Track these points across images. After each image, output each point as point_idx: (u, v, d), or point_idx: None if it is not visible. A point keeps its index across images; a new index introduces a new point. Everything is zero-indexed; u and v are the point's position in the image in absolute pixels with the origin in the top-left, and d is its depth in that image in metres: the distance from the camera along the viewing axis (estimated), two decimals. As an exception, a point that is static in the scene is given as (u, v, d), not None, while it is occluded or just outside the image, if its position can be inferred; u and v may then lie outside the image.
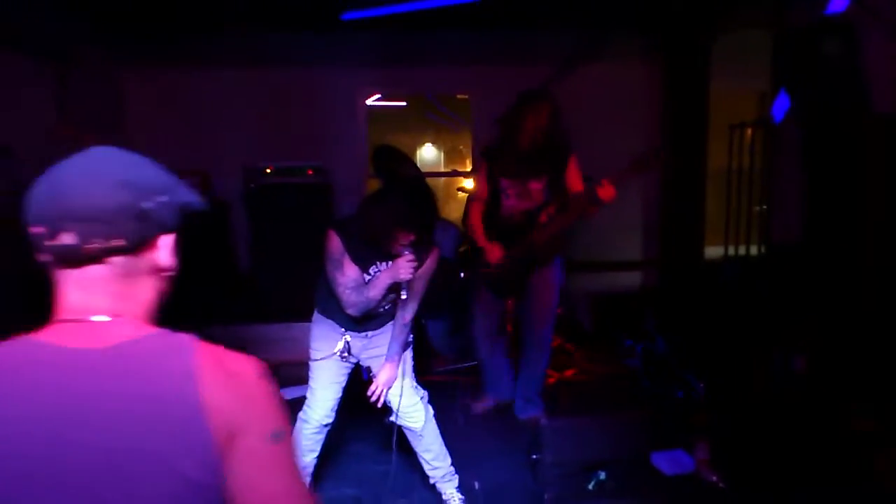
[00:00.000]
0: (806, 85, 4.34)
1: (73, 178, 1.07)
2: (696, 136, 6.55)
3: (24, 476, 0.97)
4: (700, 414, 4.22)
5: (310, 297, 3.29)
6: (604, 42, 6.82)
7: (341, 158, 6.59)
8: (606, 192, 3.74)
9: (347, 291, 2.93)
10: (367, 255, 2.98)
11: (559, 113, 4.10)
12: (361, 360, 3.20)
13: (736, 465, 3.64)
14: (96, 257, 1.05)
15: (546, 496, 3.37)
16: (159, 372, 1.04)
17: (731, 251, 5.99)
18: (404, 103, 10.96)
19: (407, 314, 3.10)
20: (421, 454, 3.26)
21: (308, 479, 3.22)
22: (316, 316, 3.18)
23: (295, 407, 3.35)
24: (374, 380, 3.13)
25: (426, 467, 3.28)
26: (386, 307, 3.12)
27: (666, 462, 3.70)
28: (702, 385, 4.70)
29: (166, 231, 1.15)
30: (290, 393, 4.90)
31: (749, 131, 5.84)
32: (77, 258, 1.04)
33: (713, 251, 6.79)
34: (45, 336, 1.05)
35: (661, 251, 7.00)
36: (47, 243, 1.03)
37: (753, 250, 5.79)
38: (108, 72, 6.59)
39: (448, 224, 6.10)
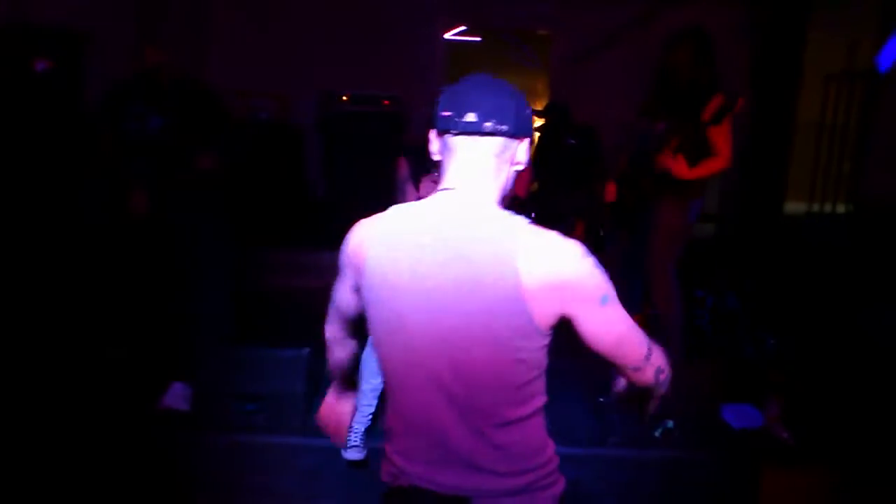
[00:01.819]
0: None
1: (474, 84, 1.47)
2: (788, 85, 6.25)
3: (422, 287, 1.41)
4: (774, 370, 4.11)
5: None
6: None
7: (418, 90, 6.51)
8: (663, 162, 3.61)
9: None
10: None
11: (708, 55, 3.80)
12: None
13: (808, 424, 3.54)
14: (488, 133, 1.42)
15: (610, 440, 3.34)
16: (495, 243, 1.39)
17: (816, 207, 5.75)
18: (479, 39, 10.74)
19: None
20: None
21: (375, 402, 3.25)
22: None
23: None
24: None
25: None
26: None
27: (734, 416, 3.63)
28: (773, 342, 4.57)
29: (528, 135, 1.49)
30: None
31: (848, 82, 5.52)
32: (475, 131, 1.42)
33: (793, 206, 6.55)
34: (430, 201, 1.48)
35: (739, 203, 6.77)
36: (455, 120, 1.42)
37: (840, 208, 5.55)
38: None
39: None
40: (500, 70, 11.79)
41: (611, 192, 4.10)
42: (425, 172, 2.97)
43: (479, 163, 1.45)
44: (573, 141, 5.60)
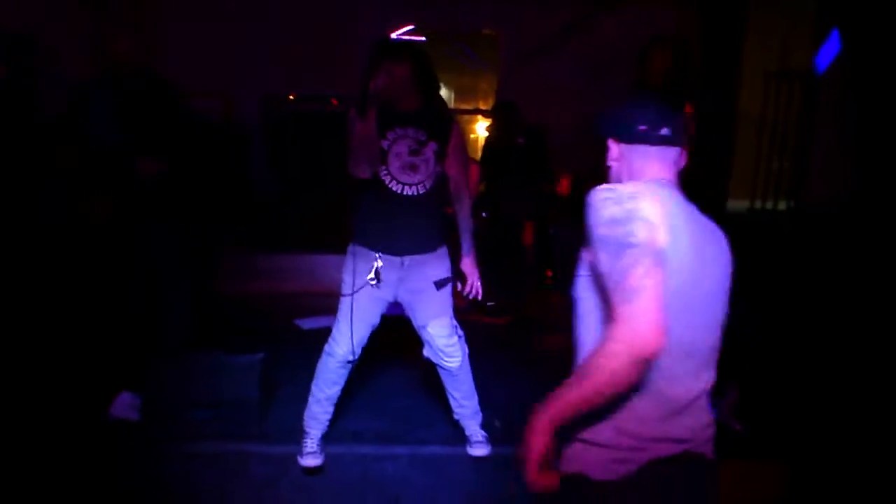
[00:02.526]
0: (861, 31, 4.17)
1: (655, 101, 1.77)
2: (728, 82, 6.39)
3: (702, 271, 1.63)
4: (735, 358, 4.18)
5: (329, 228, 3.24)
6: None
7: (364, 89, 6.46)
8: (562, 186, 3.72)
9: (359, 143, 2.84)
10: (383, 121, 2.87)
11: (680, 60, 3.93)
12: (397, 295, 3.12)
13: (762, 415, 3.62)
14: (677, 143, 1.74)
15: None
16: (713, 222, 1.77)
17: (758, 205, 5.89)
18: (423, 38, 10.72)
19: (463, 204, 3.22)
20: (451, 392, 3.23)
21: (332, 409, 3.21)
22: (350, 248, 3.08)
23: (315, 338, 3.33)
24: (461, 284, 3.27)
25: (453, 405, 3.26)
26: (414, 188, 2.98)
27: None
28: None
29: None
30: (308, 324, 4.92)
31: (786, 82, 5.67)
32: (669, 143, 1.72)
33: (736, 204, 6.70)
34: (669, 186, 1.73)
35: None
36: (652, 133, 1.71)
37: (781, 205, 5.69)
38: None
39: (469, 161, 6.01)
40: (445, 69, 11.79)
41: (564, 185, 4.13)
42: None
43: (669, 167, 1.75)
44: (522, 140, 5.62)
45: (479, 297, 3.29)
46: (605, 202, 1.59)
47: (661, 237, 1.52)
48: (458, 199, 3.20)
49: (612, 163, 1.80)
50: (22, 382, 3.69)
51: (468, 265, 3.28)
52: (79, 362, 3.95)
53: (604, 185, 1.66)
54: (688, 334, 1.60)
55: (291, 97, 5.99)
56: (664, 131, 1.72)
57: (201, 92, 6.14)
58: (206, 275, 4.42)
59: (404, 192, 2.98)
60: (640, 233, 1.51)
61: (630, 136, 1.75)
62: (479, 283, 3.27)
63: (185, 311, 3.90)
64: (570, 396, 1.53)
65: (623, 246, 1.50)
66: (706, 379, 1.70)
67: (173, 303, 3.84)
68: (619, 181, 1.77)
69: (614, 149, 1.78)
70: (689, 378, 1.65)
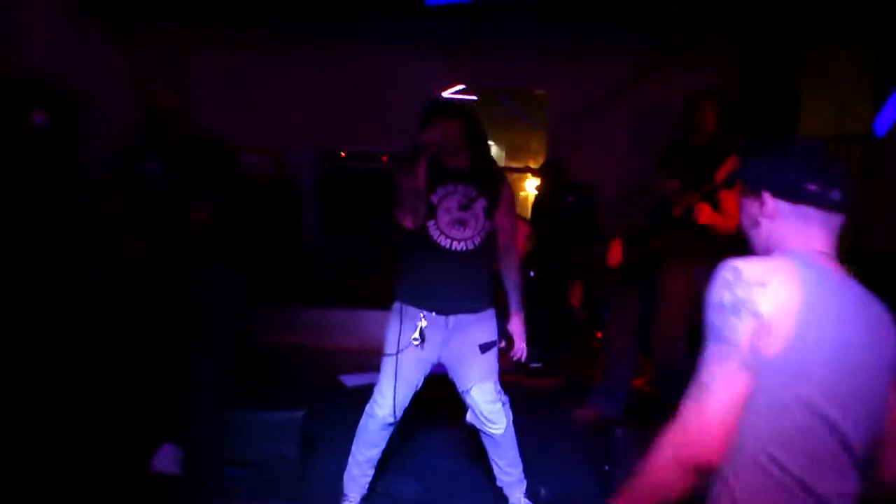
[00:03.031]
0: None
1: (829, 158, 1.50)
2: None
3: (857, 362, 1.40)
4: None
5: (376, 284, 3.20)
6: (685, 47, 6.60)
7: (415, 147, 6.52)
8: (701, 214, 3.56)
9: (407, 194, 2.82)
10: (433, 176, 2.90)
11: (727, 115, 3.88)
12: (441, 357, 3.06)
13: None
14: (845, 210, 1.48)
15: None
16: (878, 303, 1.47)
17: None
18: (475, 98, 10.85)
19: (512, 261, 3.17)
20: (494, 459, 3.13)
21: (371, 472, 3.13)
22: (394, 306, 3.05)
23: (360, 395, 3.27)
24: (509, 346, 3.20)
25: (497, 472, 3.16)
26: (463, 244, 2.95)
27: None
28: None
29: None
30: (352, 381, 4.87)
31: (844, 145, 5.55)
32: (838, 208, 1.47)
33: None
34: (827, 262, 1.46)
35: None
36: (822, 195, 1.45)
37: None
38: (183, 44, 6.56)
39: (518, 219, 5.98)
40: (496, 127, 11.88)
41: (616, 252, 4.04)
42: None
43: (829, 237, 1.50)
44: (571, 198, 5.59)
45: (524, 360, 3.21)
46: (723, 282, 1.42)
47: (770, 338, 1.34)
48: (507, 257, 3.16)
49: (762, 219, 1.54)
50: (69, 431, 3.71)
51: (516, 325, 3.19)
52: (126, 410, 3.96)
53: (735, 260, 1.43)
54: (833, 433, 1.38)
55: (343, 154, 6.05)
56: (835, 195, 1.46)
57: (254, 147, 6.28)
58: (246, 324, 4.38)
59: (453, 248, 2.94)
60: (739, 330, 1.36)
61: (795, 194, 1.48)
62: (524, 346, 3.19)
63: (223, 358, 3.86)
64: (629, 496, 1.43)
65: (717, 338, 1.38)
66: (853, 484, 1.43)
67: (213, 348, 3.81)
68: (763, 243, 1.55)
69: (770, 204, 1.51)
70: (832, 482, 1.40)
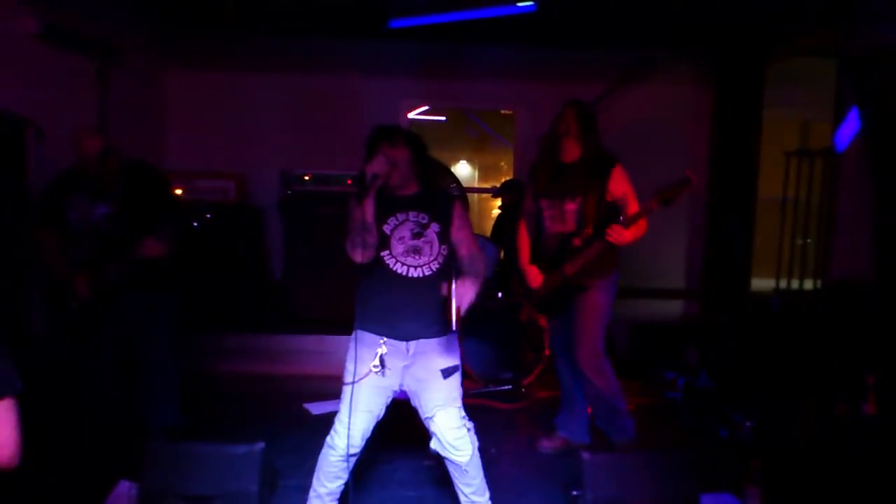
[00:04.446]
0: (882, 110, 4.11)
1: None
2: (747, 162, 6.33)
3: None
4: (752, 457, 3.97)
5: (342, 309, 3.13)
6: (653, 63, 6.65)
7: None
8: (617, 235, 3.55)
9: (355, 226, 2.79)
10: (384, 207, 2.88)
11: (591, 118, 3.81)
12: (403, 383, 2.99)
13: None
14: None
15: (585, 536, 3.15)
16: None
17: (783, 284, 5.74)
18: (444, 118, 10.87)
19: (476, 275, 2.89)
20: (460, 487, 3.05)
21: (335, 501, 3.04)
22: (354, 334, 2.98)
23: (323, 424, 3.19)
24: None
25: (463, 500, 3.07)
26: (419, 270, 2.90)
27: (714, 506, 3.47)
28: (749, 425, 4.46)
29: None
30: (318, 408, 4.77)
31: (808, 160, 5.59)
32: None
33: (759, 283, 6.56)
34: None
35: (705, 280, 6.76)
36: None
37: (807, 284, 5.53)
38: (149, 71, 6.57)
39: (486, 241, 5.94)
40: (467, 148, 11.94)
41: (535, 276, 3.99)
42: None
43: None
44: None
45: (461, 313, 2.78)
46: None
47: None
48: (473, 265, 2.98)
49: None
50: (21, 470, 3.57)
51: (464, 286, 2.76)
52: (79, 446, 3.85)
53: None
54: None
55: (307, 177, 5.99)
56: None
57: (215, 172, 6.22)
58: (185, 352, 4.36)
59: (409, 274, 2.89)
60: None
61: None
62: (463, 306, 2.75)
63: (171, 392, 4.01)
64: None
65: None
66: None
67: (159, 384, 3.98)
68: None
69: None
70: None
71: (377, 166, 2.79)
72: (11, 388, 1.55)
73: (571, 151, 3.82)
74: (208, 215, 5.85)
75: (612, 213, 3.73)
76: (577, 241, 3.77)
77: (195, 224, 5.31)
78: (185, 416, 4.06)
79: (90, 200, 3.69)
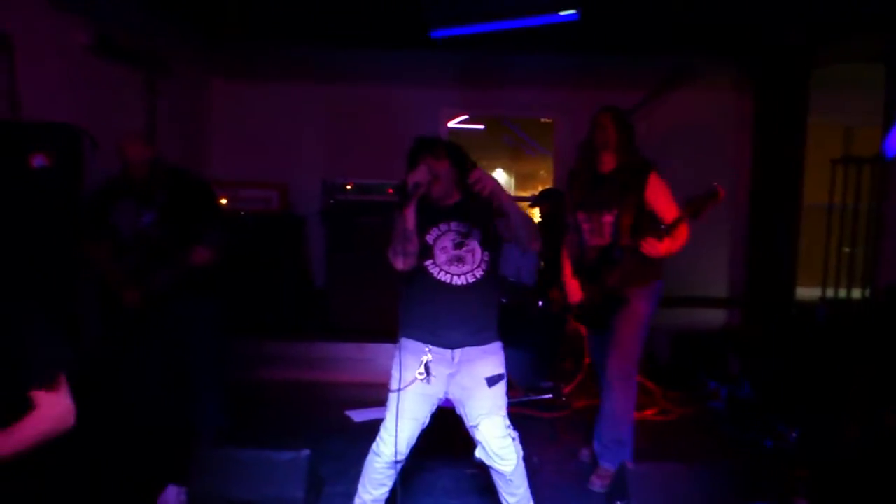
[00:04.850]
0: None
1: None
2: (792, 169, 6.24)
3: None
4: (799, 468, 3.91)
5: (382, 317, 3.15)
6: (694, 69, 6.60)
7: (421, 178, 6.52)
8: (650, 248, 3.48)
9: (397, 236, 2.86)
10: (425, 218, 2.94)
11: (629, 127, 3.73)
12: (448, 392, 3.01)
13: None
14: None
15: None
16: None
17: (830, 293, 5.64)
18: (482, 126, 10.89)
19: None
20: (504, 496, 3.05)
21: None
22: (399, 342, 3.01)
23: (368, 431, 3.22)
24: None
25: (507, 509, 3.08)
26: (463, 278, 2.92)
27: (760, 518, 3.43)
28: (794, 435, 4.39)
29: None
30: (360, 416, 4.80)
31: (854, 166, 5.50)
32: None
33: (804, 292, 6.46)
34: None
35: (748, 289, 6.67)
36: None
37: (855, 293, 5.44)
38: (195, 81, 6.70)
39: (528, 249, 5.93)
40: (504, 156, 11.94)
41: (575, 290, 3.94)
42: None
43: None
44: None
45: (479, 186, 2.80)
46: None
47: None
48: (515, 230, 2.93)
49: None
50: (71, 474, 3.65)
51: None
52: (129, 450, 3.92)
53: None
54: None
55: (348, 186, 6.05)
56: None
57: (259, 182, 6.31)
58: (227, 358, 4.45)
59: (453, 282, 2.92)
60: None
61: None
62: (485, 178, 2.78)
63: (218, 399, 4.08)
64: None
65: None
66: None
67: (207, 391, 4.04)
68: None
69: None
70: None
71: (419, 175, 2.84)
72: (65, 364, 1.79)
73: (608, 162, 3.75)
74: (247, 226, 5.96)
75: (651, 223, 3.64)
76: (616, 253, 3.70)
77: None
78: (230, 418, 4.13)
79: (136, 208, 3.76)
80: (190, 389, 4.03)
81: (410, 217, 2.83)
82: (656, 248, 3.47)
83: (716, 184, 3.30)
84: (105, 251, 3.81)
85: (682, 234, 3.53)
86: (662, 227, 3.51)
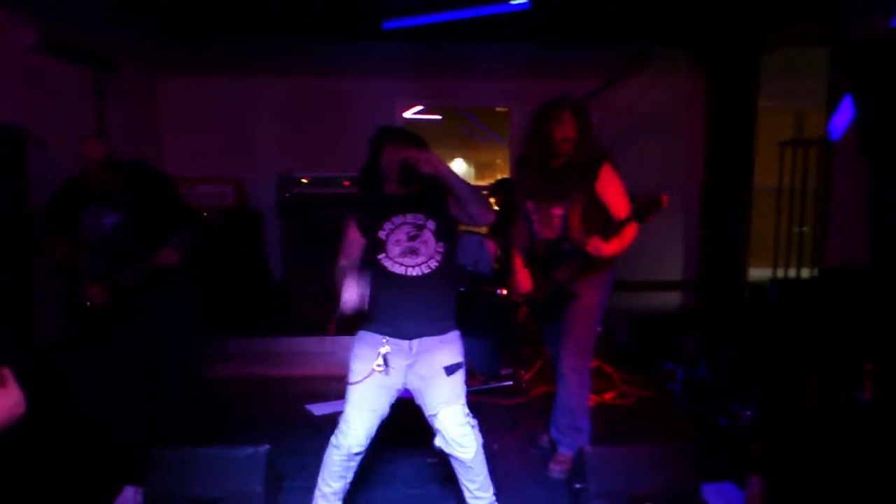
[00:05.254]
0: (875, 99, 4.13)
1: None
2: (743, 153, 6.36)
3: None
4: (752, 445, 4.00)
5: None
6: (647, 57, 6.67)
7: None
8: (593, 249, 3.44)
9: (340, 258, 3.01)
10: (379, 212, 2.99)
11: (588, 121, 3.61)
12: (407, 382, 3.02)
13: (790, 502, 3.43)
14: None
15: (589, 528, 3.18)
16: None
17: (780, 273, 5.76)
18: (440, 117, 10.88)
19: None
20: (465, 483, 3.07)
21: (340, 500, 3.07)
22: (357, 334, 3.02)
23: (326, 424, 3.22)
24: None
25: (468, 496, 3.10)
26: (418, 269, 2.93)
27: (715, 495, 3.50)
28: (748, 414, 4.49)
29: None
30: (320, 409, 4.79)
31: (802, 149, 5.62)
32: None
33: (756, 273, 6.59)
34: None
35: (702, 271, 6.80)
36: None
37: (804, 272, 5.57)
38: (146, 79, 6.59)
39: (483, 238, 5.96)
40: (463, 146, 11.96)
41: (525, 280, 3.92)
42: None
43: None
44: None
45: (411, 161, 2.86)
46: None
47: None
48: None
49: None
50: (26, 477, 3.60)
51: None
52: (84, 452, 3.88)
53: None
54: None
55: (304, 180, 6.01)
56: None
57: (214, 178, 6.24)
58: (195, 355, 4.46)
59: (408, 273, 2.92)
60: None
61: None
62: (421, 158, 2.83)
63: (180, 397, 4.08)
64: None
65: None
66: None
67: (170, 388, 4.05)
68: None
69: None
70: None
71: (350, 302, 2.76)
72: (7, 358, 1.73)
73: (562, 154, 3.62)
74: (205, 214, 5.89)
75: (601, 216, 3.59)
76: (565, 247, 3.65)
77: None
78: (189, 409, 4.16)
79: (99, 210, 3.72)
80: (154, 378, 4.01)
81: (355, 235, 3.03)
82: (602, 249, 3.43)
83: (661, 192, 3.23)
84: (68, 249, 3.76)
85: (628, 234, 3.46)
86: (609, 228, 3.46)
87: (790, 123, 7.86)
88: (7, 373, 1.79)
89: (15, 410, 1.82)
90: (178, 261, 3.77)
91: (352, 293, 2.74)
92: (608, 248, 3.44)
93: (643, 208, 3.29)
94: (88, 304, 3.68)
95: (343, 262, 3.02)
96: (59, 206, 3.76)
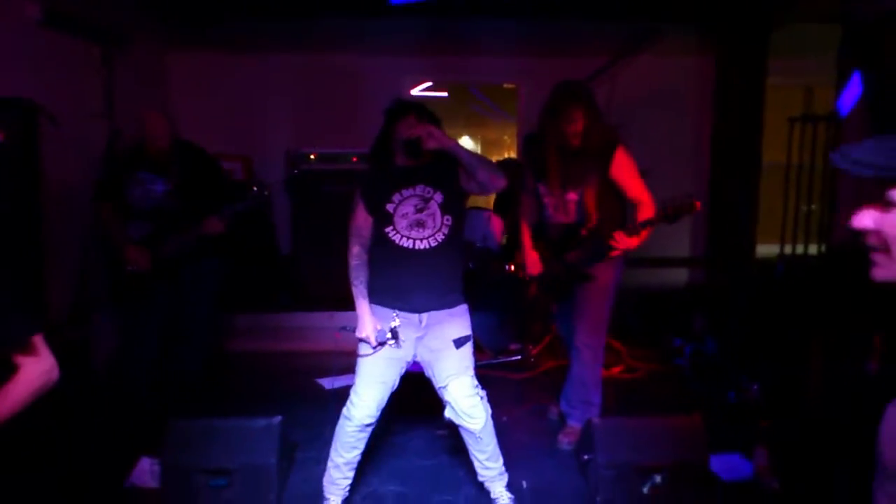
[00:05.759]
0: (884, 76, 4.12)
1: None
2: (751, 129, 6.34)
3: None
4: (761, 419, 4.04)
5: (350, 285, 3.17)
6: (657, 33, 6.63)
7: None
8: (619, 244, 3.48)
9: (353, 240, 3.07)
10: (389, 184, 3.02)
11: (596, 108, 3.59)
12: (416, 354, 3.06)
13: (797, 473, 3.47)
14: None
15: (598, 499, 3.22)
16: None
17: (788, 249, 5.77)
18: (446, 94, 10.85)
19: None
20: (474, 454, 3.12)
21: (351, 474, 3.12)
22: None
23: (338, 397, 3.26)
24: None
25: (478, 466, 3.15)
26: (425, 242, 2.96)
27: (723, 467, 3.54)
28: (756, 388, 4.53)
29: None
30: (330, 383, 4.85)
31: (811, 125, 5.60)
32: None
33: (763, 249, 6.60)
34: None
35: (710, 248, 6.80)
36: None
37: (812, 249, 5.57)
38: (154, 54, 6.59)
39: (479, 209, 5.98)
40: (470, 123, 11.89)
41: (535, 262, 3.95)
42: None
43: None
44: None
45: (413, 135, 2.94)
46: None
47: None
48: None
49: None
50: (43, 448, 3.66)
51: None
52: (101, 424, 3.94)
53: None
54: None
55: (312, 156, 6.02)
56: None
57: (224, 153, 6.26)
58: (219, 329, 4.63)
59: (416, 247, 2.95)
60: None
61: None
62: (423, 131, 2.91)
63: (205, 337, 4.41)
64: None
65: None
66: None
67: (191, 358, 4.33)
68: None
69: None
70: None
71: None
72: (39, 327, 1.84)
73: (574, 143, 3.59)
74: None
75: (617, 201, 3.67)
76: (584, 232, 3.69)
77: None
78: (205, 374, 4.42)
79: (151, 179, 3.94)
80: (176, 338, 4.23)
81: (363, 214, 3.06)
82: (626, 243, 3.48)
83: (697, 201, 3.29)
84: (113, 213, 3.96)
85: (649, 229, 3.53)
86: (636, 224, 3.50)
87: (799, 99, 7.82)
88: (39, 340, 1.85)
89: (49, 376, 1.88)
90: (222, 230, 3.96)
91: (367, 326, 2.98)
92: (631, 242, 3.50)
93: (675, 211, 3.32)
94: (130, 268, 3.87)
95: (355, 249, 3.07)
96: (110, 170, 4.04)
